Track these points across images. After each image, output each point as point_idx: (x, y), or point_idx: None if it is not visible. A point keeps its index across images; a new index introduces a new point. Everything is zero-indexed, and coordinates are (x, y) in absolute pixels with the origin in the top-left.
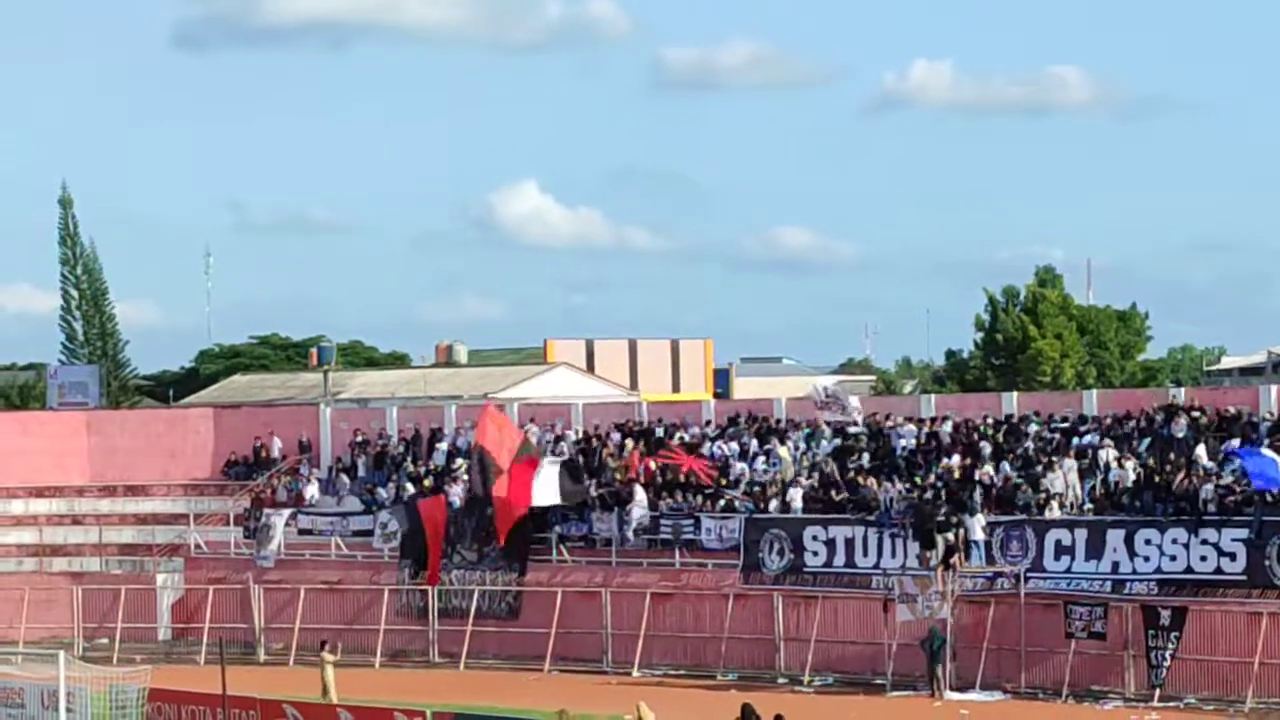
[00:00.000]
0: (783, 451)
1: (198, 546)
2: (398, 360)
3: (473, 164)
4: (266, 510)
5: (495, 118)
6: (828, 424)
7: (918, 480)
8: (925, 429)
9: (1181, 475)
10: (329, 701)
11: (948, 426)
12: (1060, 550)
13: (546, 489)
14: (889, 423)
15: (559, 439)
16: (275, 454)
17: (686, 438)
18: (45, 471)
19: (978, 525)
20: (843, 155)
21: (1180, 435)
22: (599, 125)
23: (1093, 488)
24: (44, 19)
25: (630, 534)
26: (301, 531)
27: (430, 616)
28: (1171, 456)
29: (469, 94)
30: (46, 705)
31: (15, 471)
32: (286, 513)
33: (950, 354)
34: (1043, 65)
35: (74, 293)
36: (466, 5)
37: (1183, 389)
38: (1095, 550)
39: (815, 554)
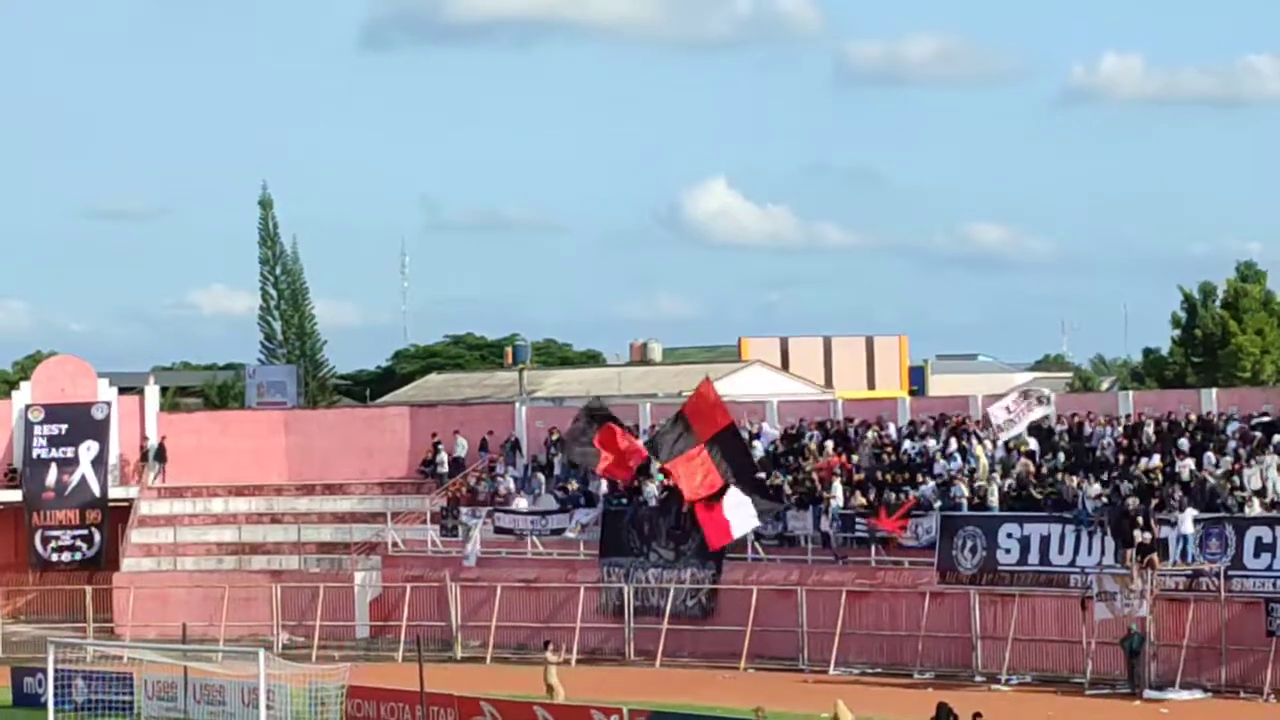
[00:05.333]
0: (978, 450)
1: (395, 545)
2: (592, 359)
3: (660, 161)
4: (464, 510)
5: (682, 114)
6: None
7: (1115, 477)
8: (1122, 425)
9: None
10: (556, 701)
11: (1149, 426)
12: (1261, 548)
13: (742, 517)
14: (1087, 419)
15: (755, 436)
16: (458, 453)
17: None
18: (244, 470)
19: (1187, 520)
20: (1033, 150)
21: None
22: (786, 121)
23: None
24: (235, 21)
25: (826, 532)
26: (498, 530)
27: (626, 615)
28: None
29: (656, 91)
30: (247, 703)
31: (215, 471)
32: (484, 512)
33: (1148, 351)
34: (1235, 55)
35: (273, 293)
36: (652, 2)
37: None
38: None
39: (1009, 551)
